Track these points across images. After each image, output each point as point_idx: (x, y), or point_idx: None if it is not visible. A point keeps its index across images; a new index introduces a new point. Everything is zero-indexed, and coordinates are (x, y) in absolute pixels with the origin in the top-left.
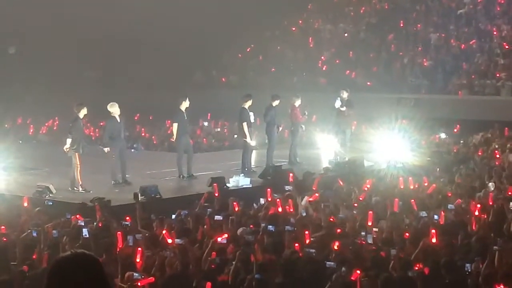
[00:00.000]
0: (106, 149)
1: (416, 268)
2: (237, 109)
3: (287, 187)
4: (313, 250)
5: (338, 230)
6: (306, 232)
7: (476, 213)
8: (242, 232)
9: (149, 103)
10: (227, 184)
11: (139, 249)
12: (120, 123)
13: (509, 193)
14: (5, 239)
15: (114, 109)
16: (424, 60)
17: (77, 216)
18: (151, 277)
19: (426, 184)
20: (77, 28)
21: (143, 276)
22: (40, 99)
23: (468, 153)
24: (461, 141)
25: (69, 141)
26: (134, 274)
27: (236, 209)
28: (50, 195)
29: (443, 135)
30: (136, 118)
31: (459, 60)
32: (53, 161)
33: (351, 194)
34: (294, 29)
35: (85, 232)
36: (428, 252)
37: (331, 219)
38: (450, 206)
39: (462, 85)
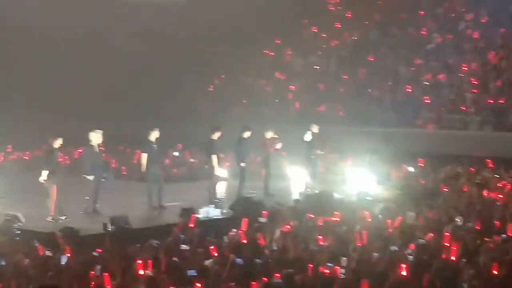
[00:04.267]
0: (90, 177)
1: None
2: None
3: (260, 219)
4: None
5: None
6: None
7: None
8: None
9: (120, 132)
10: (197, 215)
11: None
12: (99, 152)
13: (477, 227)
14: None
15: (95, 137)
16: (393, 94)
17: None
18: None
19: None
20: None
21: None
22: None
23: (437, 187)
24: (430, 175)
25: (45, 173)
26: None
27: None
28: (19, 223)
29: (411, 169)
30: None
31: (428, 94)
32: (22, 189)
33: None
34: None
35: (63, 259)
36: (398, 285)
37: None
38: (420, 240)
39: (431, 119)
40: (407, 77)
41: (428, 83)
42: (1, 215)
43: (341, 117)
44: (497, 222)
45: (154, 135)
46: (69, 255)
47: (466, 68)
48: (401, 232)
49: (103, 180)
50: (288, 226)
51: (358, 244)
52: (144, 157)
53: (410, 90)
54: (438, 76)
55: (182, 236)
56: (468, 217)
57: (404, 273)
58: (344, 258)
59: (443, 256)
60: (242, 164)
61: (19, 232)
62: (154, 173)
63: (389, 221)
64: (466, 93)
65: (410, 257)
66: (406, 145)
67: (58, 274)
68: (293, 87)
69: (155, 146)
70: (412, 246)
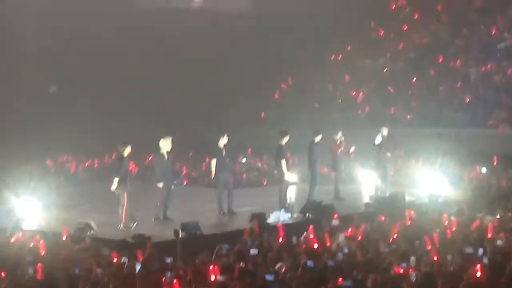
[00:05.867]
0: (160, 185)
1: None
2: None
3: (334, 222)
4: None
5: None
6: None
7: None
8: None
9: (188, 138)
10: (268, 220)
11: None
12: (168, 159)
13: None
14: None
15: (165, 144)
16: (464, 95)
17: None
18: None
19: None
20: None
21: None
22: (78, 137)
23: (510, 188)
24: (502, 176)
25: (116, 180)
26: None
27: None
28: (91, 231)
29: (484, 170)
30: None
31: (500, 94)
32: (93, 197)
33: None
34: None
35: (138, 266)
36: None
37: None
38: (498, 242)
39: (502, 119)
40: (477, 78)
41: (499, 83)
42: (74, 223)
43: (411, 119)
44: None
45: (223, 141)
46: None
47: None
48: (477, 234)
49: (173, 187)
50: (350, 230)
51: (429, 247)
52: (214, 163)
53: (481, 91)
54: (510, 76)
55: (251, 241)
56: None
57: (478, 274)
58: (413, 258)
59: None
60: (313, 169)
61: (90, 240)
62: (224, 179)
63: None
64: None
65: (485, 259)
66: (478, 146)
67: (134, 281)
68: (362, 90)
69: (224, 152)
70: (487, 248)
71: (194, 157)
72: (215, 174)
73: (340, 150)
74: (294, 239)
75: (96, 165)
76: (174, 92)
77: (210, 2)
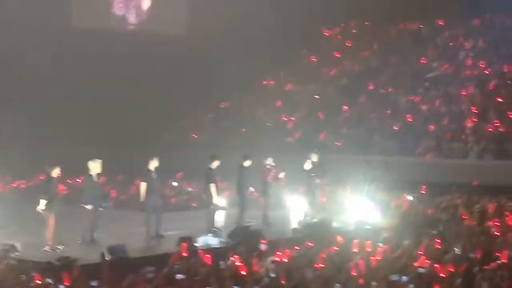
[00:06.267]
0: (88, 207)
1: None
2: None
3: (261, 246)
4: None
5: None
6: None
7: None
8: None
9: (119, 161)
10: (195, 244)
11: None
12: (98, 182)
13: (477, 256)
14: None
15: (94, 166)
16: (394, 123)
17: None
18: None
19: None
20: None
21: None
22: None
23: (437, 215)
24: (429, 204)
25: (43, 202)
26: None
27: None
28: (16, 253)
29: (410, 197)
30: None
31: (428, 123)
32: (20, 219)
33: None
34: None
35: None
36: None
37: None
38: (420, 269)
39: (431, 147)
40: (407, 106)
41: (428, 112)
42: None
43: (341, 145)
44: (495, 251)
45: (153, 164)
46: (67, 284)
47: (465, 97)
48: (402, 261)
49: (101, 209)
50: (286, 255)
51: (353, 274)
52: (143, 186)
53: (410, 119)
54: (438, 105)
55: (179, 265)
56: (468, 246)
57: None
58: (338, 285)
59: (442, 285)
60: (243, 194)
61: (14, 262)
62: (153, 202)
63: (388, 250)
64: (465, 121)
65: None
66: (406, 174)
67: None
68: (293, 116)
69: (154, 175)
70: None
71: (124, 180)
72: (144, 197)
73: (270, 176)
74: (221, 264)
75: (23, 186)
76: (108, 112)
77: (147, 25)
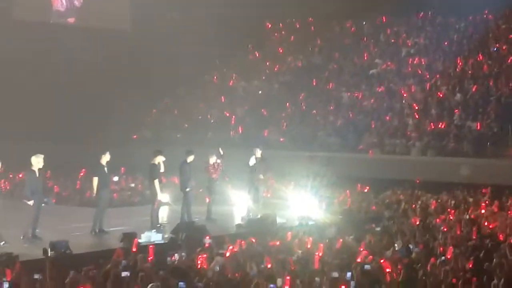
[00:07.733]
0: (30, 202)
1: None
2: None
3: (205, 241)
4: None
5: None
6: None
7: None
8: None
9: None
10: (139, 240)
11: None
12: (39, 176)
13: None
14: None
15: (36, 161)
16: (336, 118)
17: None
18: None
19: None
20: None
21: None
22: None
23: (378, 211)
24: (371, 200)
25: None
26: None
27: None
28: None
29: (352, 193)
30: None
31: (371, 119)
32: None
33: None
34: (209, 85)
35: (5, 285)
36: None
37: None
38: (366, 266)
39: (373, 144)
40: (349, 102)
41: (370, 108)
42: None
43: (284, 141)
44: (439, 246)
45: (105, 158)
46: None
47: (407, 94)
48: (345, 257)
49: (44, 205)
50: (229, 251)
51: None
52: (96, 180)
53: (352, 115)
54: (380, 101)
55: (123, 261)
56: (409, 241)
57: None
58: (280, 280)
59: (385, 280)
60: (187, 189)
61: None
62: (107, 197)
63: (330, 245)
64: (407, 118)
65: (352, 283)
66: (349, 170)
67: None
68: (237, 112)
69: (107, 169)
70: (354, 270)
71: (66, 175)
72: (96, 191)
73: (215, 173)
74: (165, 259)
75: None
76: (51, 108)
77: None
